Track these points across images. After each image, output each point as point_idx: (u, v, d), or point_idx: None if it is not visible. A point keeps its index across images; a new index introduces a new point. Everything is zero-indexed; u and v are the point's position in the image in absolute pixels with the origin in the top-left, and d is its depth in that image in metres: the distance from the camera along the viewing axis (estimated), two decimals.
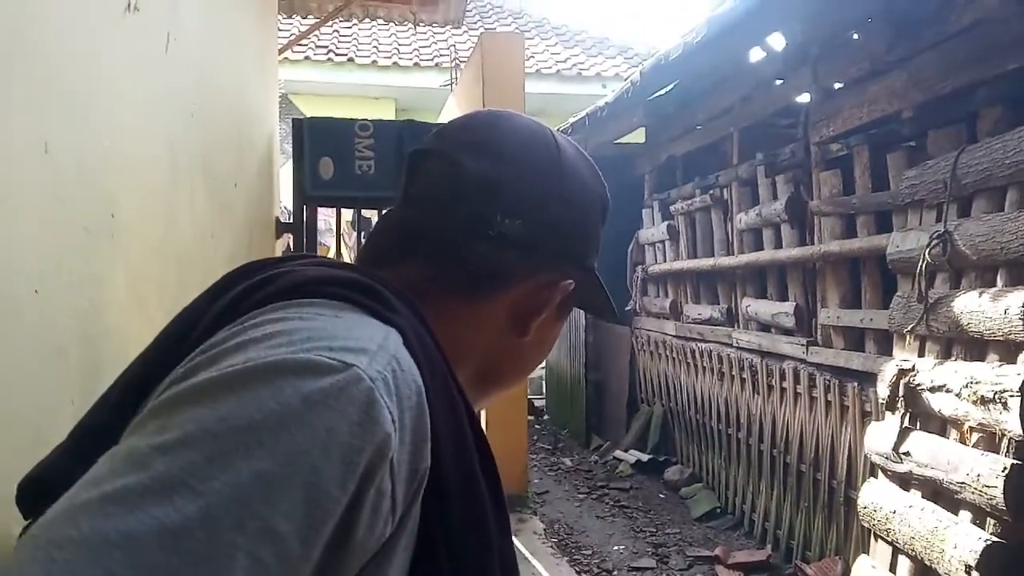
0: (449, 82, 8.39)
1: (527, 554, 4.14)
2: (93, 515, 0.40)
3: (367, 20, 7.65)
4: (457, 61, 8.62)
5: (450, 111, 6.12)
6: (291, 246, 4.22)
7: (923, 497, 2.65)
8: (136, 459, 0.44)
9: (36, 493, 0.56)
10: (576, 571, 4.04)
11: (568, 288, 0.73)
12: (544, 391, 8.60)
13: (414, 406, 0.52)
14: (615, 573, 4.09)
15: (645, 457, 5.88)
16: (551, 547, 4.34)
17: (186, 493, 0.41)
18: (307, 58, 9.73)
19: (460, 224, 0.70)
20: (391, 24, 10.16)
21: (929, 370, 2.65)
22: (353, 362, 0.49)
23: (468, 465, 0.59)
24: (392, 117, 9.29)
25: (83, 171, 1.21)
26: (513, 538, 0.66)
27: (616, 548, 4.46)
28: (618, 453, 6.15)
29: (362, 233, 7.37)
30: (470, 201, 0.70)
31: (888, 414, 2.89)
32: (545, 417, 8.17)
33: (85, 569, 0.38)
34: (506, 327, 0.72)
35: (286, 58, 8.12)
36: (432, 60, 10.27)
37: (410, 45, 10.72)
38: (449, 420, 0.57)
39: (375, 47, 10.38)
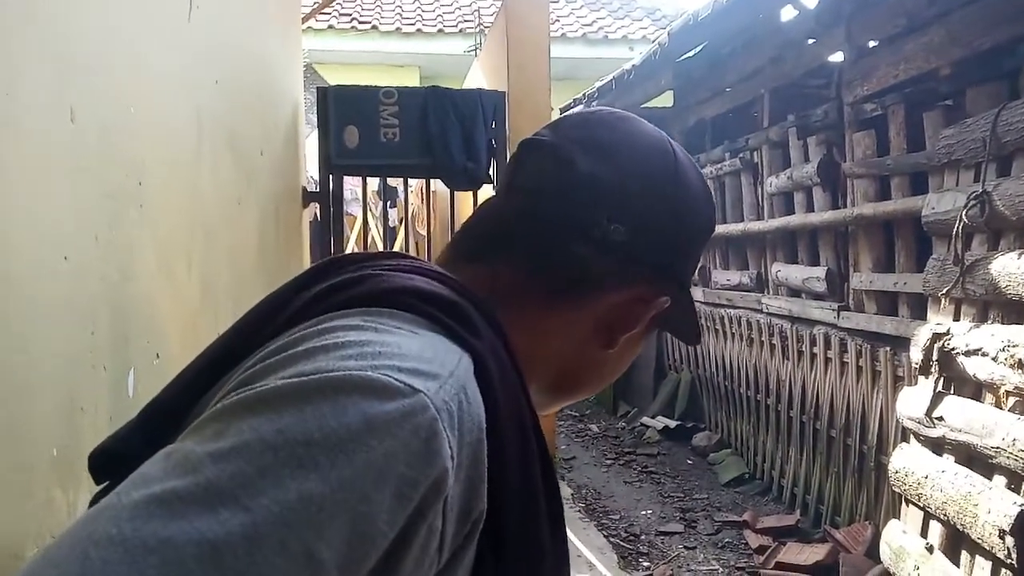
0: (473, 48, 8.31)
1: None
2: (136, 516, 0.40)
3: None
4: (481, 26, 8.52)
5: (475, 77, 6.06)
6: (318, 215, 4.25)
7: (956, 462, 2.62)
8: (188, 463, 0.43)
9: (105, 465, 0.57)
10: (604, 535, 4.08)
11: (663, 305, 0.70)
12: None
13: (474, 442, 0.50)
14: (643, 537, 4.12)
15: (673, 423, 5.88)
16: (579, 512, 4.38)
17: (233, 506, 0.41)
18: (331, 27, 9.69)
19: (562, 222, 0.67)
20: None
21: (964, 334, 2.60)
22: (421, 388, 0.47)
23: (533, 503, 0.57)
24: (417, 85, 9.24)
25: (109, 139, 1.22)
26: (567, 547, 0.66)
27: (644, 513, 4.48)
28: (645, 420, 6.16)
29: (387, 202, 7.38)
30: (576, 199, 0.67)
31: (921, 379, 2.85)
32: None
33: (119, 570, 0.38)
34: (591, 337, 0.69)
35: (310, 27, 8.09)
36: (456, 26, 10.16)
37: (434, 11, 10.61)
38: (518, 452, 0.55)
39: (399, 14, 10.29)
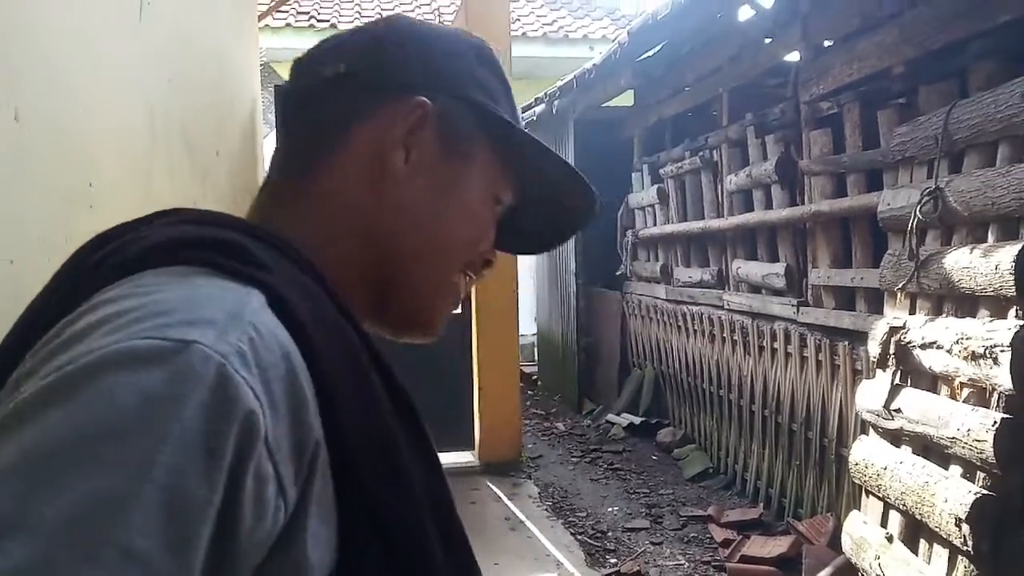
0: None
1: (522, 518, 4.18)
2: None
3: None
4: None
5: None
6: None
7: (914, 453, 2.67)
8: None
9: None
10: (571, 533, 4.08)
11: (423, 107, 0.64)
12: (536, 358, 8.62)
13: (283, 374, 0.47)
14: (610, 534, 4.14)
15: (637, 420, 5.92)
16: (546, 510, 4.38)
17: (16, 534, 0.36)
18: (288, 25, 9.56)
19: (299, 96, 0.69)
20: None
21: (920, 327, 2.65)
22: (196, 338, 0.43)
23: (377, 420, 0.53)
24: None
25: (58, 139, 1.18)
26: (445, 475, 0.61)
27: (610, 510, 4.50)
28: (610, 417, 6.19)
29: None
30: (303, 78, 0.69)
31: (879, 372, 2.90)
32: (538, 383, 8.20)
33: None
34: (372, 177, 0.65)
35: (267, 25, 7.97)
36: None
37: (393, 9, 10.53)
38: (347, 374, 0.52)
39: (358, 12, 10.19)
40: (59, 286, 0.54)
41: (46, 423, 0.40)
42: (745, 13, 4.81)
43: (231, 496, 0.42)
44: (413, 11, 10.51)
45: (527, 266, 8.04)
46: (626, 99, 6.63)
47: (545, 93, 7.34)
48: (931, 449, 2.59)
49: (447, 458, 4.90)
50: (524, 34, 9.95)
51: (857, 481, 2.99)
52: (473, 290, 4.88)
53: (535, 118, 7.77)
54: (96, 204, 1.32)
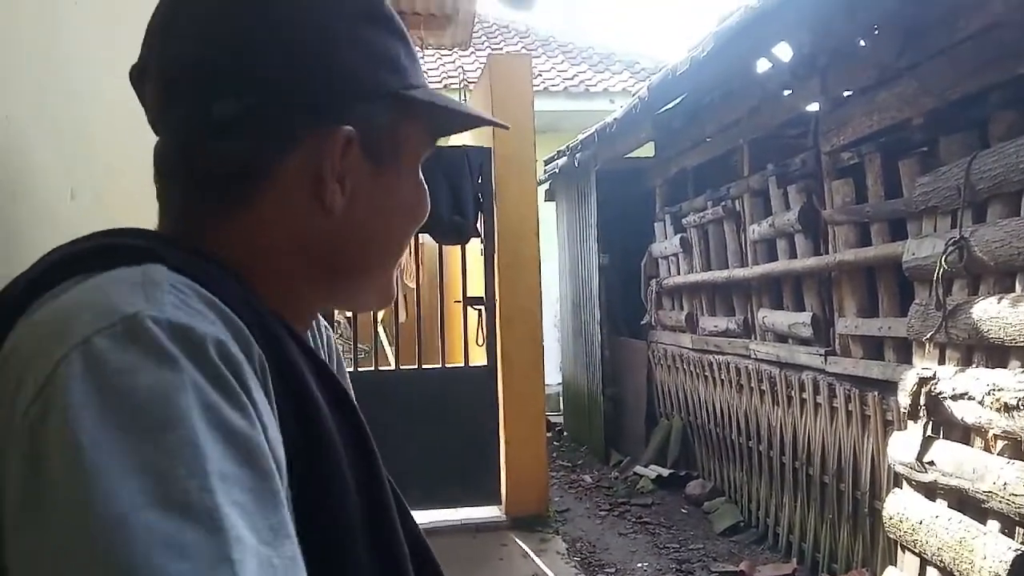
0: None
1: (551, 575, 4.11)
2: None
3: None
4: (466, 83, 8.68)
5: (460, 134, 6.15)
6: None
7: (949, 507, 2.62)
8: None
9: None
10: None
11: (347, 136, 0.59)
12: (561, 408, 8.58)
13: (219, 314, 0.50)
14: None
15: (666, 472, 5.84)
16: (574, 566, 4.31)
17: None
18: None
19: (179, 136, 0.60)
20: None
21: (950, 378, 2.63)
22: (132, 311, 0.45)
23: (297, 381, 0.55)
24: None
25: (105, 214, 1.24)
26: (391, 486, 0.63)
27: (640, 565, 4.42)
28: (638, 469, 6.11)
29: None
30: (176, 103, 0.59)
31: (910, 423, 2.87)
32: (564, 434, 8.14)
33: None
34: (307, 212, 0.60)
35: None
36: (440, 83, 10.34)
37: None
38: (261, 333, 0.53)
39: None
40: None
41: (79, 433, 0.41)
42: (763, 66, 4.88)
43: (253, 407, 0.47)
44: (437, 69, 10.79)
45: (551, 316, 8.06)
46: (647, 150, 6.72)
47: (567, 146, 7.46)
48: (967, 503, 2.54)
49: (474, 513, 4.86)
50: (546, 88, 10.16)
51: (892, 536, 2.93)
52: (499, 341, 4.91)
53: (558, 170, 7.88)
54: None
